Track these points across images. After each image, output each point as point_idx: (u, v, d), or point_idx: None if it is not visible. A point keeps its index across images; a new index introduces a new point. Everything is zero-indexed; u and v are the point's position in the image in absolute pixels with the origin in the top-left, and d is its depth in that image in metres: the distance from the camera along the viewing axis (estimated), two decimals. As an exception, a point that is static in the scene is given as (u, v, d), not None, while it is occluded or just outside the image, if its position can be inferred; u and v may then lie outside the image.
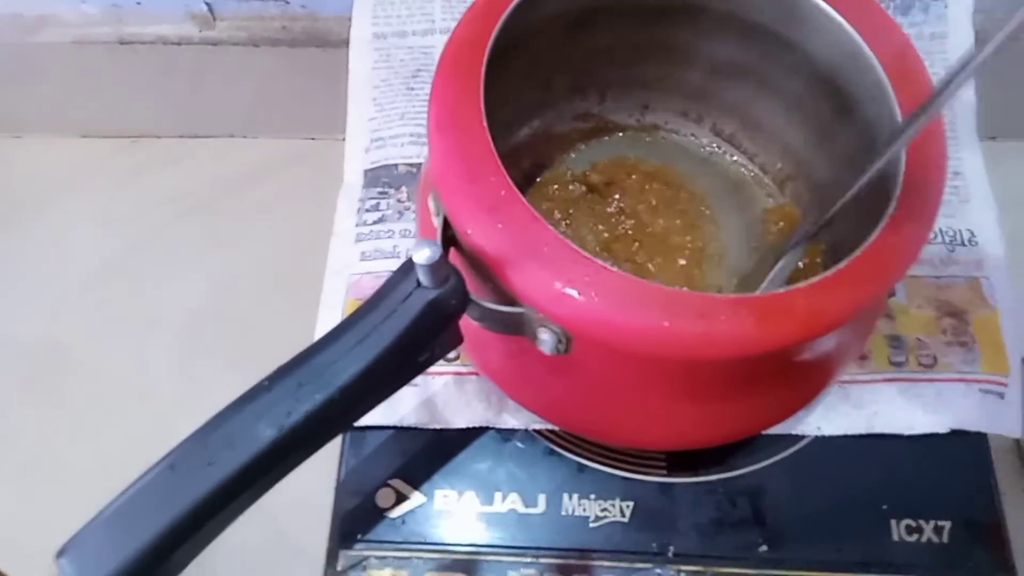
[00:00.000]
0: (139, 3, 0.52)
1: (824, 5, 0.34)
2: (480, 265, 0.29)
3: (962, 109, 0.46)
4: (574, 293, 0.27)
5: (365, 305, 0.27)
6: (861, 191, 0.31)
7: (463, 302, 0.28)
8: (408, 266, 0.27)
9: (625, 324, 0.27)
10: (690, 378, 0.30)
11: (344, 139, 0.49)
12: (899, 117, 0.32)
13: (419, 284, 0.27)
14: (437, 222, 0.31)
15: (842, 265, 0.28)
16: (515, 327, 0.30)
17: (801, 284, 0.27)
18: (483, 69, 0.31)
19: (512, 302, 0.29)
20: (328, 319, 0.42)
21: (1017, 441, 0.42)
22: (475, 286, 0.29)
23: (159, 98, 0.58)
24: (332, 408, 0.26)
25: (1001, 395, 0.40)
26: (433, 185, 0.31)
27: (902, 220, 0.29)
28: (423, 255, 0.25)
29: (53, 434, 0.46)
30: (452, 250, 0.31)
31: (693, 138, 0.45)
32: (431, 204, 0.32)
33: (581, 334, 0.28)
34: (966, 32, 0.47)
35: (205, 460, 0.25)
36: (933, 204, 0.30)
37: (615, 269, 0.27)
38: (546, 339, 0.29)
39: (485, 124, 0.30)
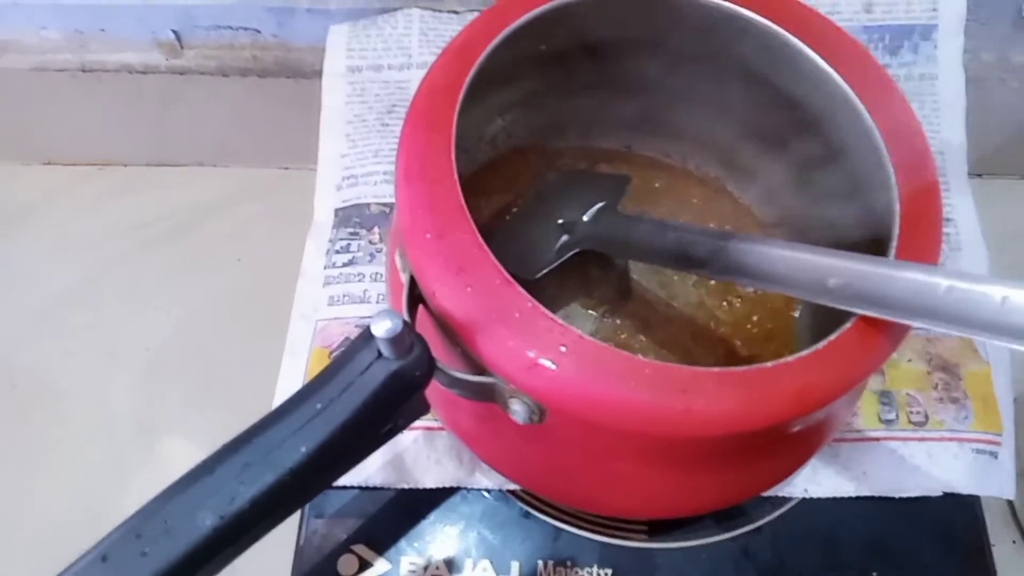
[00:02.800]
0: (103, 30, 0.50)
1: (810, 52, 0.33)
2: (448, 329, 0.27)
3: (953, 153, 0.44)
4: (548, 364, 0.25)
5: (320, 376, 0.25)
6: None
7: (428, 372, 0.26)
8: (368, 334, 0.25)
9: (602, 398, 0.25)
10: (672, 451, 0.29)
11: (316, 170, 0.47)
12: (888, 164, 0.30)
13: (380, 354, 0.25)
14: (404, 278, 0.29)
15: (834, 336, 0.26)
16: (486, 395, 0.28)
17: (790, 358, 0.26)
18: (455, 119, 0.29)
19: (482, 371, 0.27)
20: (293, 367, 0.39)
21: (1010, 501, 0.41)
22: (443, 350, 0.28)
23: (125, 126, 0.56)
24: (282, 490, 0.24)
25: (994, 455, 0.38)
26: (400, 240, 0.29)
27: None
28: (383, 327, 0.23)
29: (4, 469, 0.44)
30: (421, 308, 0.29)
31: (676, 181, 0.44)
32: (397, 260, 0.30)
33: (556, 408, 0.26)
34: (956, 74, 0.45)
35: (139, 550, 0.23)
36: (934, 257, 0.28)
37: (592, 339, 0.25)
38: (518, 410, 0.27)
39: (456, 177, 0.28)
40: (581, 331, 0.25)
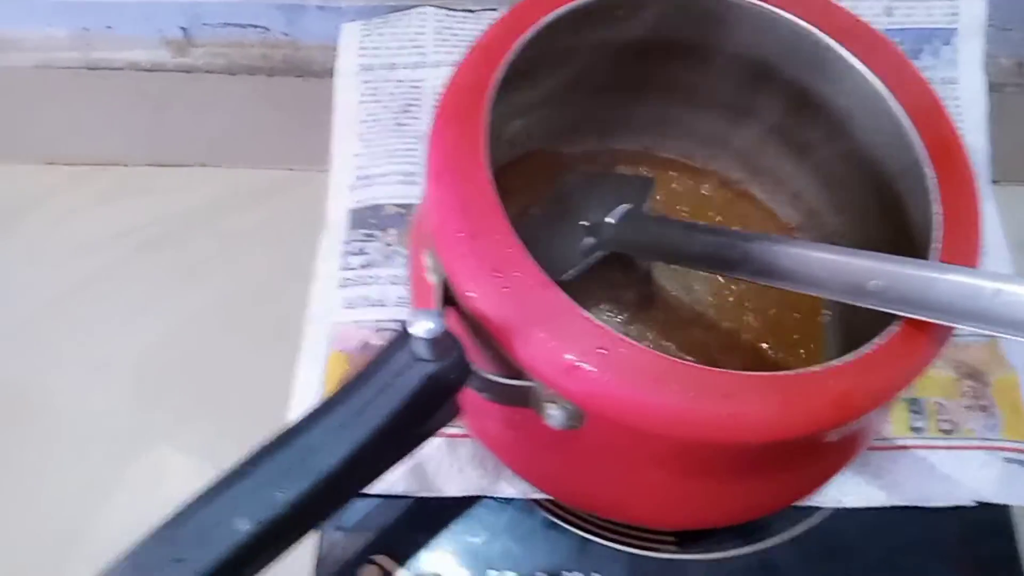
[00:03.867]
0: (109, 27, 0.49)
1: (843, 51, 0.33)
2: (482, 331, 0.26)
3: (975, 160, 0.44)
4: (588, 367, 0.24)
5: (355, 379, 0.25)
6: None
7: (464, 375, 0.25)
8: (403, 336, 0.24)
9: (644, 403, 0.24)
10: (710, 458, 0.28)
11: (325, 171, 0.46)
12: (926, 168, 0.30)
13: (416, 357, 0.24)
14: (433, 279, 0.28)
15: (880, 341, 0.25)
16: (520, 400, 0.27)
17: (834, 363, 0.25)
18: (485, 116, 0.28)
19: (518, 374, 0.26)
20: (309, 373, 0.38)
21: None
22: (475, 353, 0.27)
23: (126, 125, 0.55)
24: (319, 495, 0.23)
25: (1023, 463, 0.38)
26: (430, 240, 0.28)
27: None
28: (422, 328, 0.22)
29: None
30: (448, 310, 0.28)
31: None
32: (427, 260, 0.29)
33: (595, 412, 0.25)
34: (978, 78, 0.45)
35: (172, 556, 0.22)
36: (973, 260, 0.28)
37: (633, 342, 0.24)
38: (555, 415, 0.26)
39: (489, 176, 0.27)
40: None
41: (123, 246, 0.52)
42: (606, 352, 0.24)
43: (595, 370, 0.24)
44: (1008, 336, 0.23)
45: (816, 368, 0.25)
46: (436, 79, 0.46)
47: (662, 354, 0.24)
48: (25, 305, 0.49)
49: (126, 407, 0.45)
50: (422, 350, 0.23)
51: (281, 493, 0.22)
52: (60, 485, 0.43)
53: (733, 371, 0.25)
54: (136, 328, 0.48)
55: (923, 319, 0.25)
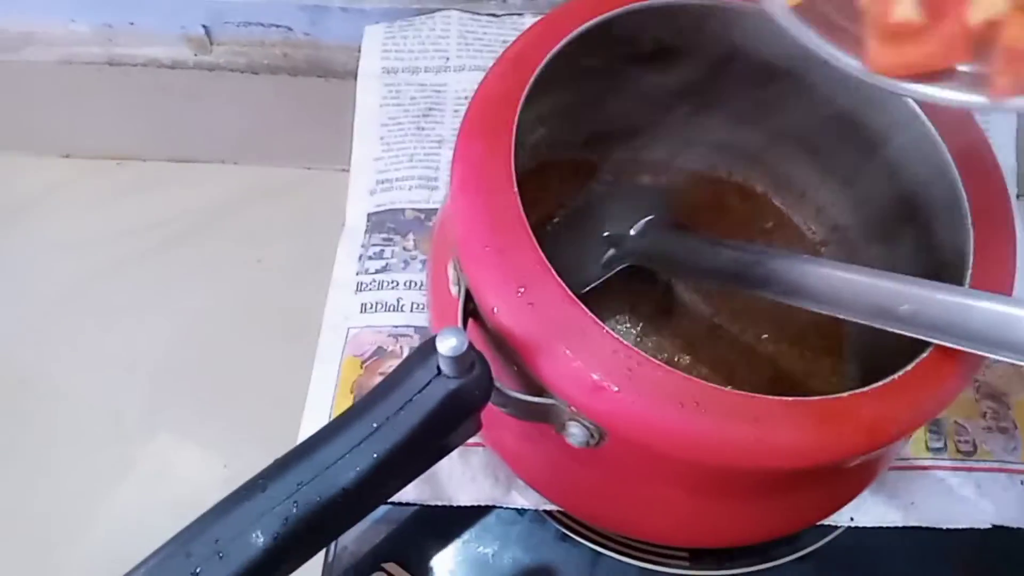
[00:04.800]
0: (132, 23, 0.49)
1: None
2: (505, 347, 0.26)
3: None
4: (613, 387, 0.24)
5: (376, 391, 0.24)
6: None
7: (487, 392, 0.25)
8: (427, 350, 0.24)
9: (669, 425, 0.24)
10: (732, 481, 0.27)
11: (344, 170, 0.46)
12: (959, 188, 0.29)
13: (439, 372, 0.24)
14: (456, 291, 0.28)
15: (911, 366, 0.25)
16: (540, 416, 0.27)
17: (864, 389, 0.25)
18: (514, 129, 0.28)
19: (540, 391, 0.26)
20: (324, 375, 0.38)
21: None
22: (497, 368, 0.26)
23: (147, 120, 0.55)
24: (336, 509, 0.23)
25: (1043, 487, 0.37)
26: (455, 251, 0.28)
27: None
28: (448, 345, 0.22)
29: (6, 473, 0.42)
30: (471, 323, 0.28)
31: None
32: (451, 271, 0.29)
33: (619, 433, 0.25)
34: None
35: (189, 570, 0.22)
36: (1008, 287, 0.27)
37: (660, 363, 0.24)
38: (576, 433, 0.26)
39: (515, 189, 0.27)
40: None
41: (142, 241, 0.52)
42: (632, 372, 0.24)
43: (620, 391, 0.24)
44: None
45: (846, 394, 0.24)
46: (458, 83, 0.46)
47: (690, 376, 0.24)
48: (42, 297, 0.49)
49: (141, 403, 0.45)
50: (446, 366, 0.23)
51: (297, 508, 0.22)
52: (73, 480, 0.43)
53: (762, 395, 0.24)
54: (152, 324, 0.48)
55: (955, 347, 0.24)
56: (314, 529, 0.23)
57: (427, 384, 0.24)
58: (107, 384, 0.46)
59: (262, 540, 0.22)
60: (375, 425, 0.24)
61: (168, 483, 0.43)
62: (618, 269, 0.35)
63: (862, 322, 0.27)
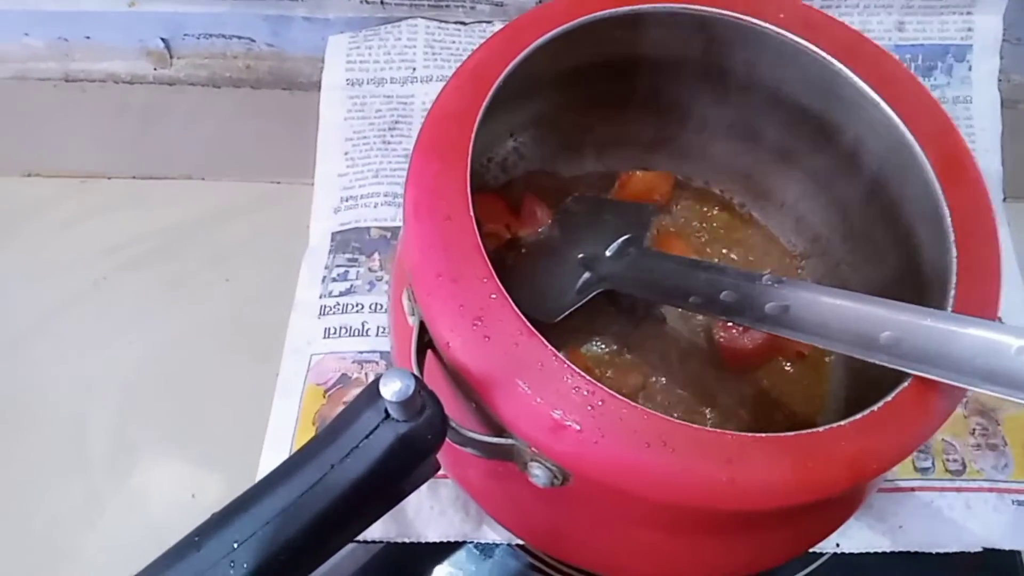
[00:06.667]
0: (88, 37, 0.47)
1: (852, 76, 0.31)
2: (462, 383, 0.24)
3: (988, 179, 0.42)
4: (575, 426, 0.22)
5: (321, 437, 0.23)
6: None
7: (441, 434, 0.23)
8: (373, 391, 0.22)
9: (635, 465, 0.22)
10: (707, 522, 0.26)
11: (312, 185, 0.44)
12: (940, 202, 0.28)
13: (387, 415, 0.22)
14: (412, 322, 0.27)
15: (890, 396, 0.24)
16: (503, 456, 0.25)
17: (843, 422, 0.23)
18: (470, 149, 0.26)
19: (500, 431, 0.24)
20: (285, 408, 0.37)
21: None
22: (455, 404, 0.25)
23: (109, 137, 0.53)
24: (277, 568, 0.21)
25: (1036, 506, 0.36)
26: (408, 279, 0.27)
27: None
28: (391, 389, 0.21)
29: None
30: (430, 356, 0.26)
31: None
32: (405, 302, 0.27)
33: (581, 474, 0.23)
34: (992, 96, 0.43)
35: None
36: (990, 316, 0.26)
37: (624, 399, 0.23)
38: (539, 474, 0.24)
39: (471, 214, 0.25)
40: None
41: (108, 262, 0.50)
42: (594, 410, 0.23)
43: (582, 429, 0.22)
44: None
45: (823, 429, 0.23)
46: (426, 94, 0.44)
47: (657, 413, 0.23)
48: (10, 322, 0.48)
49: (108, 431, 0.44)
50: (393, 410, 0.22)
51: (233, 569, 0.20)
52: (43, 504, 0.42)
53: (735, 432, 0.23)
54: (120, 346, 0.47)
55: (937, 379, 0.23)
56: (255, 588, 0.21)
57: (374, 429, 0.22)
58: (75, 411, 0.44)
59: (197, 604, 0.20)
60: (320, 474, 0.22)
61: (136, 514, 0.41)
62: (594, 294, 0.33)
63: (844, 352, 0.25)
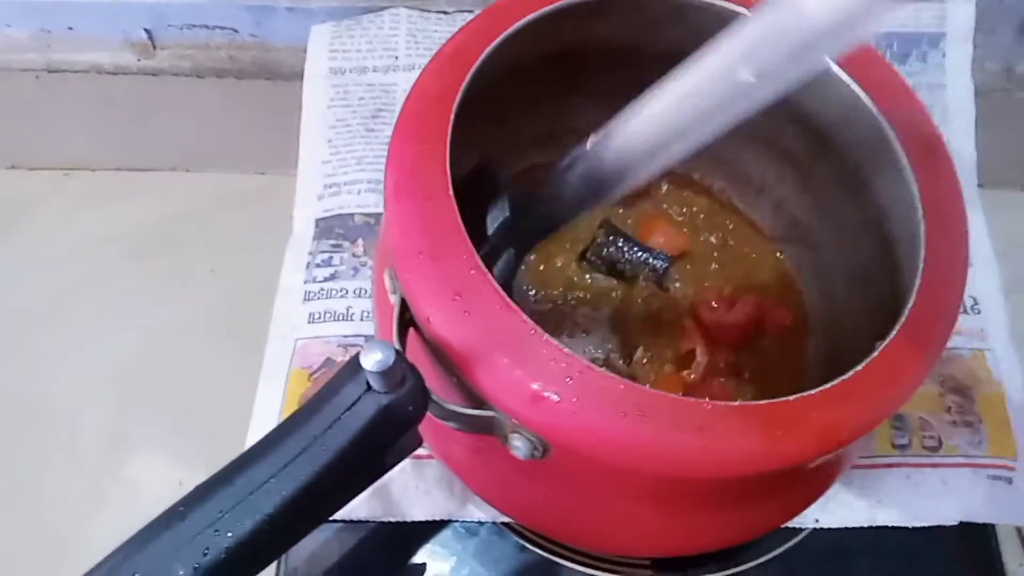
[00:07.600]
0: (71, 28, 0.47)
1: (831, 65, 0.31)
2: (443, 358, 0.25)
3: (962, 165, 0.43)
4: (553, 396, 0.23)
5: (303, 410, 0.23)
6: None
7: (422, 406, 0.23)
8: (355, 364, 0.23)
9: (612, 435, 0.23)
10: (684, 490, 0.26)
11: (296, 176, 0.44)
12: (909, 178, 0.29)
13: (369, 387, 0.22)
14: (394, 300, 0.27)
15: (860, 367, 0.24)
16: (484, 429, 0.26)
17: (814, 391, 0.24)
18: (449, 129, 0.27)
19: (480, 403, 0.24)
20: (270, 392, 0.37)
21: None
22: (436, 379, 0.25)
23: (93, 129, 0.53)
24: (262, 538, 0.22)
25: (1009, 480, 0.36)
26: (390, 259, 0.27)
27: (924, 312, 0.25)
28: (372, 360, 0.21)
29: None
30: (411, 332, 0.27)
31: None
32: (387, 281, 0.28)
33: (560, 444, 0.24)
34: (965, 83, 0.44)
35: (102, 610, 0.20)
36: (957, 292, 0.26)
37: (601, 370, 0.23)
38: (519, 446, 0.25)
39: (451, 193, 0.26)
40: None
41: (93, 254, 0.51)
42: (572, 381, 0.23)
43: (560, 400, 0.23)
44: None
45: (794, 398, 0.23)
46: (408, 83, 0.44)
47: (633, 383, 0.23)
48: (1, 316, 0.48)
49: (100, 416, 0.44)
50: (374, 381, 0.22)
51: (219, 537, 0.21)
52: (41, 492, 0.42)
53: (709, 401, 0.23)
54: (107, 338, 0.47)
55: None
56: (239, 559, 0.22)
57: (356, 400, 0.22)
58: (69, 402, 0.45)
59: (182, 572, 0.21)
60: (302, 446, 0.22)
61: (131, 500, 0.42)
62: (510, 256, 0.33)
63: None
